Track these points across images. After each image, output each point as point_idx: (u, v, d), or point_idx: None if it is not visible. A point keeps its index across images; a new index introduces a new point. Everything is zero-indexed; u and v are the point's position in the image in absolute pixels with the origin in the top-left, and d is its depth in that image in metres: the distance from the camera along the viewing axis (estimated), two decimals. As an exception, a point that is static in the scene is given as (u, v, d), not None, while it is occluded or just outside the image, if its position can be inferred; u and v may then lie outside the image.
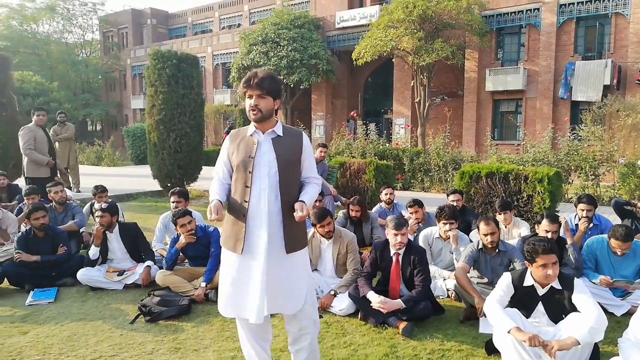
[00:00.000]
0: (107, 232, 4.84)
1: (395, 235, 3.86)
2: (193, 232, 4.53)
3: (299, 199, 2.57)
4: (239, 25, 32.59)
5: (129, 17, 37.59)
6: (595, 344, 2.96)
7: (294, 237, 2.57)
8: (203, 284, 4.31)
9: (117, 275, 4.65)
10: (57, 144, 10.67)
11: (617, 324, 3.74)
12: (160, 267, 4.69)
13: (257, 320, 2.50)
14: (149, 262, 4.75)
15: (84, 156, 20.39)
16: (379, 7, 21.68)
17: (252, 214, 2.53)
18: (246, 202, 2.53)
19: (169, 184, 10.60)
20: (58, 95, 33.07)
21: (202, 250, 4.60)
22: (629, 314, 3.89)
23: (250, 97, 2.52)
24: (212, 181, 2.74)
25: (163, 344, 3.47)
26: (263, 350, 2.77)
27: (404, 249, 3.91)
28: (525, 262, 3.06)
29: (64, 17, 39.97)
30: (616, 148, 9.54)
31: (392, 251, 3.94)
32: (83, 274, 4.62)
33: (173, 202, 5.38)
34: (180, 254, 4.64)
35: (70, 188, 10.36)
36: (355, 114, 14.86)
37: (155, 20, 37.25)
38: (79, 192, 10.20)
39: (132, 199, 10.45)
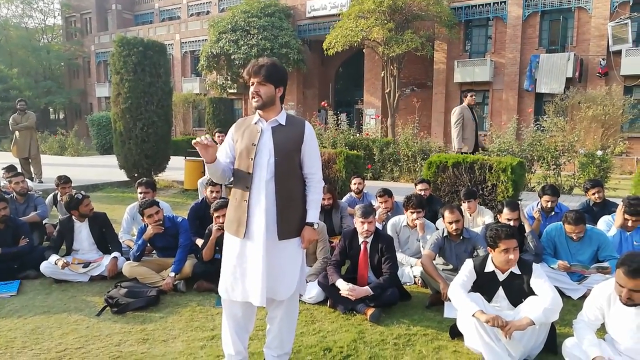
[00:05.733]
0: (77, 221, 4.74)
1: (363, 223, 3.93)
2: (161, 222, 4.48)
3: (307, 221, 2.70)
4: (207, 12, 31.97)
5: (92, 2, 36.29)
6: (553, 325, 3.11)
7: (287, 225, 2.64)
8: (172, 274, 4.28)
9: (83, 267, 4.55)
10: (17, 133, 10.30)
11: (574, 307, 3.91)
12: (128, 259, 4.63)
13: (261, 303, 2.58)
14: (115, 254, 4.68)
15: (46, 146, 19.74)
16: (349, -3, 21.65)
17: (253, 200, 2.60)
18: (248, 188, 2.61)
19: (136, 174, 10.41)
20: (18, 82, 31.82)
21: (170, 241, 4.56)
22: (585, 297, 4.07)
23: (252, 84, 2.58)
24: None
25: (131, 335, 3.44)
26: (241, 342, 2.81)
27: (372, 237, 3.98)
28: (488, 247, 3.17)
29: (24, 1, 38.35)
30: (577, 139, 9.89)
31: (361, 239, 4.00)
32: (46, 266, 4.51)
33: (140, 192, 5.30)
34: (148, 244, 4.59)
35: (31, 178, 10.05)
36: (326, 104, 14.88)
37: (120, 6, 36.11)
38: (41, 182, 9.90)
39: (97, 189, 10.21)
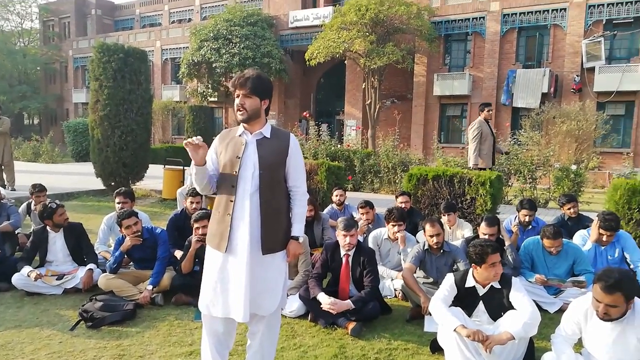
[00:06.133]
0: (51, 231, 4.61)
1: (345, 236, 3.93)
2: (139, 233, 4.40)
3: (292, 235, 2.69)
4: (189, 20, 31.85)
5: (72, 6, 35.78)
6: (531, 339, 3.14)
7: (271, 239, 2.61)
8: (149, 287, 4.19)
9: (56, 279, 4.42)
10: (-10, 138, 10.02)
11: (551, 321, 3.96)
12: (103, 271, 4.52)
13: (244, 319, 2.54)
14: (91, 265, 4.55)
15: (20, 152, 19.25)
16: (332, 9, 21.86)
17: (237, 214, 2.57)
18: (231, 201, 2.57)
19: (112, 183, 10.23)
20: (-8, 86, 31.05)
21: (148, 253, 4.47)
22: (561, 310, 4.15)
23: (238, 96, 2.56)
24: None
25: (106, 350, 3.35)
26: (221, 359, 2.76)
27: (354, 250, 3.98)
28: (473, 264, 3.17)
29: (0, 3, 37.52)
30: (552, 153, 10.11)
31: (342, 252, 3.99)
32: (18, 278, 4.36)
33: (118, 202, 5.19)
34: (126, 256, 4.49)
35: (4, 186, 9.77)
36: (308, 115, 14.93)
37: (100, 11, 35.70)
38: (14, 190, 9.62)
39: (72, 198, 9.97)
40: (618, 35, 17.59)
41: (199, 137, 2.51)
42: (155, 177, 11.32)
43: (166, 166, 9.97)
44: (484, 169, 7.27)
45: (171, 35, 29.74)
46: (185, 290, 4.25)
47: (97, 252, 4.95)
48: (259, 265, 2.58)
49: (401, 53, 18.17)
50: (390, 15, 18.13)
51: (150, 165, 10.64)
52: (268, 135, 2.64)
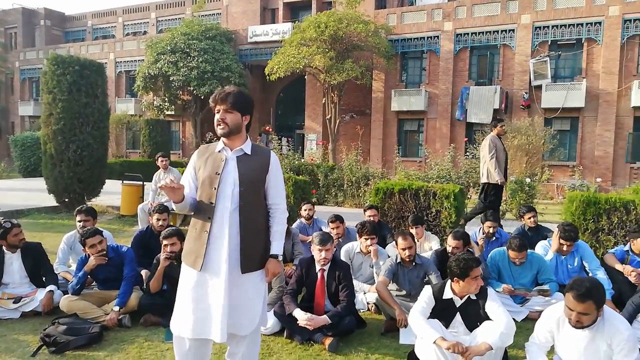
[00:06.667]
0: (7, 252, 4.34)
1: (320, 250, 3.92)
2: (104, 252, 4.21)
3: (271, 253, 2.64)
4: (144, 32, 31.19)
5: (19, 16, 34.22)
6: (505, 349, 3.23)
7: (250, 257, 2.56)
8: (116, 308, 4.01)
9: (13, 302, 4.16)
10: None
11: (519, 329, 4.05)
12: (64, 292, 4.29)
13: (222, 340, 2.47)
14: (51, 287, 4.31)
15: (-39, 167, 18.10)
16: (291, 25, 22.03)
17: (215, 232, 2.52)
18: (209, 218, 2.51)
19: (66, 199, 9.81)
20: None
21: (113, 272, 4.29)
22: (527, 319, 4.31)
23: (218, 111, 2.53)
24: None
25: (73, 377, 3.17)
26: None
27: (329, 264, 3.98)
28: (455, 278, 3.20)
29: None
30: (508, 166, 10.53)
31: (318, 267, 3.98)
32: (-30, 303, 4.07)
33: (79, 220, 4.95)
34: (89, 276, 4.28)
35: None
36: (269, 129, 14.89)
37: (49, 22, 34.33)
38: (-42, 208, 9.02)
39: (22, 215, 9.44)
40: (562, 55, 18.67)
41: (171, 178, 2.52)
42: (111, 192, 10.92)
43: (124, 181, 9.65)
44: (499, 185, 7.20)
45: (126, 48, 29.00)
46: (154, 310, 4.10)
47: (56, 272, 4.70)
48: (237, 285, 2.53)
49: (360, 69, 18.51)
50: (349, 33, 18.49)
51: (107, 181, 10.27)
52: (249, 152, 2.61)
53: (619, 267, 4.63)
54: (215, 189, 2.52)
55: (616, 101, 17.70)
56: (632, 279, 4.43)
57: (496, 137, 7.55)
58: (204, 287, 2.51)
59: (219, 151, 2.60)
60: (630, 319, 3.63)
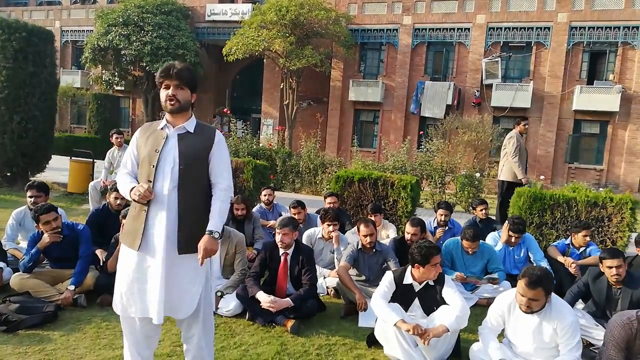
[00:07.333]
0: None
1: (278, 233, 3.97)
2: (59, 230, 4.05)
3: (207, 229, 2.44)
4: (94, 1, 29.58)
5: (-49, -28, 31.52)
6: (458, 333, 3.43)
7: (188, 238, 2.46)
8: (71, 287, 3.89)
9: (-43, 279, 3.94)
10: None
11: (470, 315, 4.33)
12: (14, 269, 4.11)
13: (158, 321, 2.43)
14: (0, 264, 4.11)
15: None
16: (251, 6, 21.64)
17: (153, 211, 2.45)
18: None
19: (8, 174, 9.32)
20: None
21: (68, 251, 4.13)
22: (477, 305, 4.56)
23: (168, 87, 2.46)
24: (118, 175, 2.58)
25: (27, 356, 3.06)
26: (142, 359, 2.63)
27: (292, 248, 4.03)
28: (415, 264, 3.35)
29: None
30: (460, 160, 10.97)
31: (281, 251, 4.02)
32: None
33: (30, 196, 4.72)
34: (41, 254, 4.11)
35: None
36: (228, 111, 14.65)
37: (-13, -18, 31.84)
38: None
39: (-42, 189, 8.86)
40: (512, 57, 19.50)
41: (143, 185, 2.41)
42: (56, 169, 10.43)
43: (72, 158, 9.23)
44: (520, 184, 7.05)
45: (73, 16, 27.42)
46: (111, 290, 3.98)
47: (5, 249, 4.48)
48: (174, 266, 2.46)
49: (319, 57, 18.52)
50: (310, 19, 18.40)
51: (53, 156, 9.81)
52: (191, 130, 2.54)
53: (560, 259, 4.98)
54: (153, 166, 2.44)
55: (559, 104, 18.75)
56: (572, 270, 4.79)
57: (519, 135, 7.46)
58: (143, 267, 2.45)
59: (162, 128, 2.53)
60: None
